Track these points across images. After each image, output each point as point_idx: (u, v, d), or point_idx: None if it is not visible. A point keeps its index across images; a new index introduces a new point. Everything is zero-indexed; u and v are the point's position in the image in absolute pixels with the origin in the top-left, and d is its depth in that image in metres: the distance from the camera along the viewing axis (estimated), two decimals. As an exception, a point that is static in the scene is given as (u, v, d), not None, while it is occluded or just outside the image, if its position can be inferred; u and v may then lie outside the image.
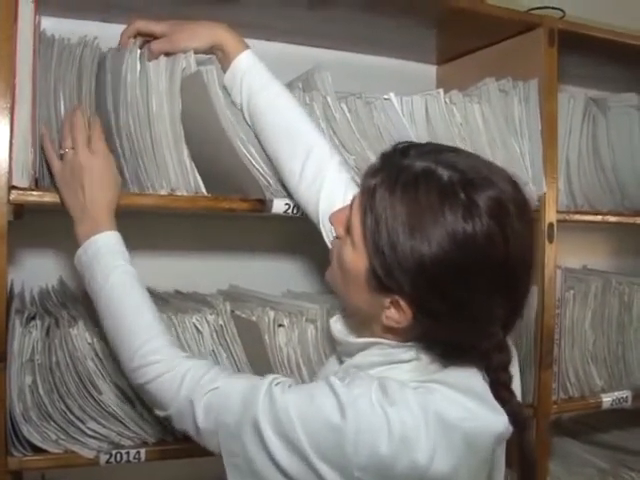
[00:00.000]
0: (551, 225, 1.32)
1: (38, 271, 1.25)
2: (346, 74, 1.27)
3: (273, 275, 1.44)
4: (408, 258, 0.73)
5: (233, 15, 1.11)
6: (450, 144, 1.15)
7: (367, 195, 0.78)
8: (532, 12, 1.36)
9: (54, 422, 0.99)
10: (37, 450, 0.99)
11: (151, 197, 1.04)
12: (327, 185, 0.99)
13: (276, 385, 0.78)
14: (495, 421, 0.78)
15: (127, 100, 1.00)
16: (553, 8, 1.38)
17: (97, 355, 1.01)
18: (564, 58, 1.33)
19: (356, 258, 0.79)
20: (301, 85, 1.17)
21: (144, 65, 1.02)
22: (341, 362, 0.90)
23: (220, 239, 1.42)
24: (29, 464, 0.99)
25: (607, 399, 1.42)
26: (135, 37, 1.05)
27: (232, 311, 1.11)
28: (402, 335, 0.81)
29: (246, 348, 1.10)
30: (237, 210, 1.09)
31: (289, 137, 1.02)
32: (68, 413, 0.99)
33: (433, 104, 1.22)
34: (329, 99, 1.15)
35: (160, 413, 0.88)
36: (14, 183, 0.95)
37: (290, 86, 1.15)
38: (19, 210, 1.01)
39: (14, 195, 0.94)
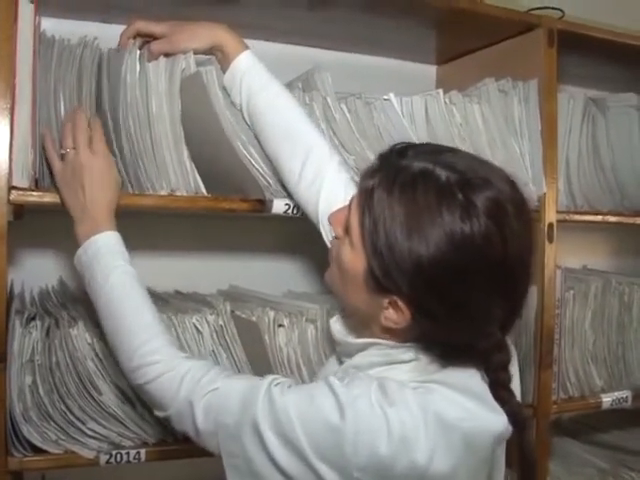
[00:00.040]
0: (551, 225, 1.32)
1: (38, 271, 1.25)
2: (346, 74, 1.27)
3: (273, 275, 1.44)
4: (406, 259, 0.73)
5: (233, 16, 1.11)
6: (450, 144, 1.16)
7: (365, 196, 0.78)
8: (531, 12, 1.35)
9: (54, 422, 0.99)
10: (37, 450, 0.99)
11: (151, 197, 1.04)
12: (327, 185, 0.99)
13: (275, 386, 0.78)
14: (494, 421, 0.78)
15: (127, 101, 1.00)
16: (552, 8, 1.38)
17: (97, 355, 1.01)
18: (563, 58, 1.33)
19: (354, 258, 0.79)
20: (301, 85, 1.17)
21: (144, 66, 1.02)
22: (341, 362, 0.90)
23: (220, 239, 1.42)
24: (29, 464, 0.99)
25: (607, 399, 1.42)
26: (135, 38, 1.05)
27: (232, 311, 1.11)
28: (401, 336, 0.81)
29: (246, 348, 1.10)
30: (237, 210, 1.09)
31: (289, 137, 1.02)
32: (68, 413, 0.99)
33: (433, 104, 1.22)
34: (329, 99, 1.15)
35: (159, 414, 0.88)
36: (14, 183, 0.95)
37: (290, 86, 1.15)
38: (19, 210, 1.01)
39: (14, 195, 0.95)
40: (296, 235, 1.26)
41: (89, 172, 0.94)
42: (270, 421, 0.75)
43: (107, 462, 1.01)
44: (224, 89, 1.05)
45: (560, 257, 1.35)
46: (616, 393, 1.43)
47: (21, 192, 0.95)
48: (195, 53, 1.04)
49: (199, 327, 1.08)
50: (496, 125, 1.28)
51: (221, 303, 1.10)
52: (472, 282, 0.74)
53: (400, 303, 0.76)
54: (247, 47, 1.05)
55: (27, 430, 0.97)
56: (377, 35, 1.38)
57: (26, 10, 0.95)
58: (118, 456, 1.02)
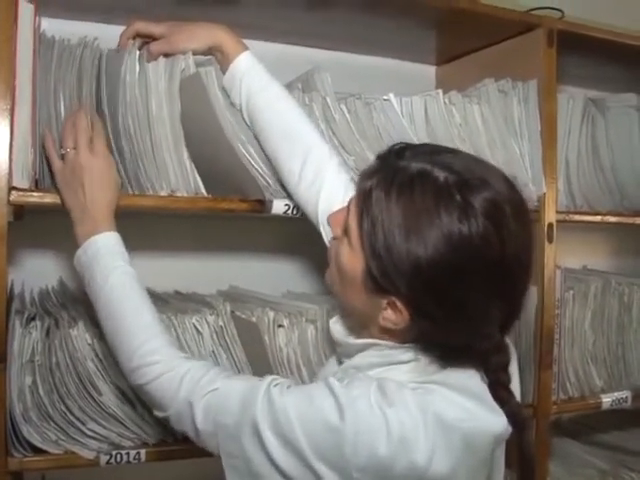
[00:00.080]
0: (551, 225, 1.32)
1: (38, 272, 1.25)
2: (345, 75, 1.27)
3: (273, 276, 1.44)
4: (404, 260, 0.74)
5: (233, 16, 1.11)
6: (450, 145, 1.16)
7: (363, 197, 0.78)
8: (531, 13, 1.35)
9: (54, 423, 0.99)
10: (37, 451, 0.99)
11: (151, 198, 1.04)
12: (326, 186, 0.99)
13: (275, 386, 0.78)
14: (494, 422, 0.78)
15: (126, 101, 1.00)
16: (552, 9, 1.38)
17: (97, 356, 1.01)
18: (563, 58, 1.33)
19: (353, 259, 0.80)
20: (300, 86, 1.17)
21: (143, 66, 1.02)
22: (340, 363, 0.90)
23: (220, 240, 1.42)
24: (29, 465, 0.99)
25: (607, 399, 1.42)
26: (134, 38, 1.06)
27: (232, 312, 1.11)
28: (400, 336, 0.81)
29: (246, 349, 1.10)
30: (237, 211, 1.10)
31: (288, 137, 1.02)
32: (68, 414, 0.99)
33: (432, 105, 1.22)
34: (328, 100, 1.15)
35: (159, 414, 0.88)
36: (14, 184, 0.95)
37: (290, 87, 1.15)
38: (19, 211, 1.01)
39: (14, 196, 0.95)
40: (296, 235, 1.26)
41: (89, 172, 0.94)
42: (269, 421, 0.75)
43: (107, 462, 1.01)
44: (223, 90, 1.05)
45: (560, 257, 1.35)
46: (616, 393, 1.43)
47: (21, 193, 0.95)
48: (194, 54, 1.04)
49: (199, 328, 1.08)
50: (496, 125, 1.28)
51: (221, 303, 1.10)
52: (470, 283, 0.74)
53: (398, 304, 0.77)
54: (246, 48, 1.05)
55: (27, 430, 0.97)
56: (377, 35, 1.38)
57: (26, 11, 0.95)
58: (118, 456, 1.02)
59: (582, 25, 1.36)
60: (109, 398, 1.02)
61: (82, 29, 1.10)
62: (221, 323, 1.09)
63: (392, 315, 0.78)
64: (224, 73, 1.05)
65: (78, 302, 1.12)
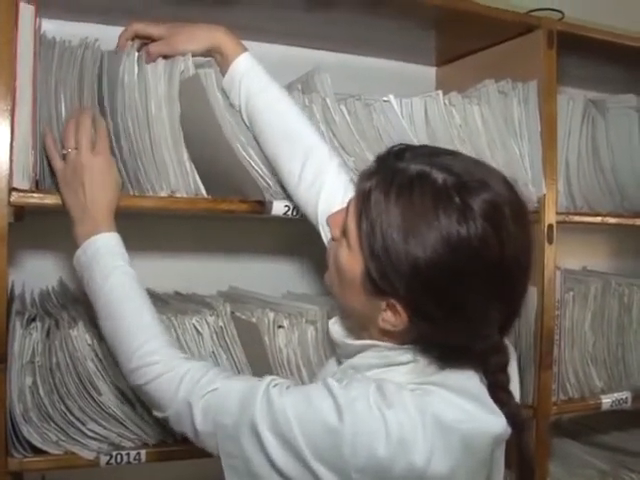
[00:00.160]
0: (550, 226, 1.32)
1: (38, 273, 1.25)
2: (345, 76, 1.27)
3: (273, 276, 1.44)
4: (403, 262, 0.74)
5: (232, 17, 1.11)
6: (449, 146, 1.16)
7: (362, 198, 0.78)
8: (531, 14, 1.36)
9: (54, 423, 0.99)
10: (37, 451, 0.99)
11: (151, 199, 1.04)
12: (326, 187, 0.99)
13: (274, 387, 0.78)
14: (493, 423, 0.78)
15: (125, 102, 1.01)
16: (552, 10, 1.38)
17: (97, 356, 1.02)
18: (563, 60, 1.33)
19: (352, 261, 0.80)
20: (300, 87, 1.17)
21: (142, 68, 1.02)
22: (340, 363, 0.90)
23: (220, 241, 1.42)
24: (29, 465, 0.99)
25: (607, 400, 1.42)
26: (133, 39, 1.06)
27: (232, 312, 1.11)
28: (399, 338, 0.81)
29: (246, 349, 1.10)
30: (237, 212, 1.10)
31: (288, 138, 1.02)
32: (68, 414, 1.00)
33: (432, 106, 1.22)
34: (328, 101, 1.15)
35: (158, 414, 0.88)
36: (15, 185, 0.95)
37: (289, 88, 1.16)
38: (20, 212, 1.01)
39: (15, 197, 0.95)
40: (296, 236, 1.26)
41: (90, 172, 0.95)
42: (268, 422, 0.75)
43: (107, 463, 1.02)
44: (223, 91, 1.05)
45: (560, 258, 1.35)
46: (616, 394, 1.43)
47: (22, 194, 0.95)
48: (193, 55, 1.04)
49: (199, 328, 1.08)
50: (496, 126, 1.28)
51: (221, 304, 1.11)
52: (469, 285, 0.74)
53: (397, 306, 0.77)
54: (246, 49, 1.05)
55: (27, 431, 0.97)
56: (377, 36, 1.39)
57: (26, 12, 0.95)
58: (118, 457, 1.02)
59: (582, 26, 1.36)
60: (109, 398, 1.02)
61: (82, 30, 1.10)
62: (221, 324, 1.09)
63: (391, 317, 0.78)
64: (223, 75, 1.05)
65: (78, 303, 1.12)
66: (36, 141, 0.97)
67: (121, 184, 1.00)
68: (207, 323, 1.08)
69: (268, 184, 1.09)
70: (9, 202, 0.94)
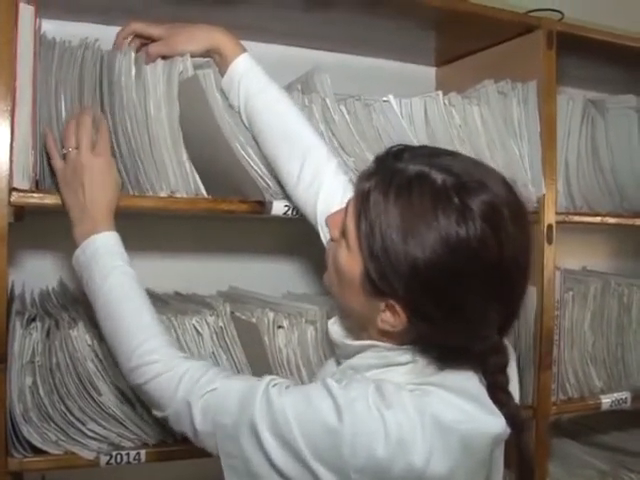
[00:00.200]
0: (550, 226, 1.32)
1: (38, 273, 1.25)
2: (345, 76, 1.27)
3: (273, 277, 1.44)
4: (402, 262, 0.74)
5: (232, 17, 1.12)
6: (449, 146, 1.16)
7: (361, 199, 0.78)
8: (531, 14, 1.36)
9: (54, 423, 0.99)
10: (37, 451, 0.99)
11: (151, 199, 1.04)
12: (325, 187, 0.99)
13: (273, 386, 0.78)
14: (492, 423, 0.78)
15: (124, 103, 1.01)
16: (552, 10, 1.38)
17: (97, 356, 1.02)
18: (563, 60, 1.33)
19: (351, 261, 0.80)
20: (300, 87, 1.17)
21: (142, 68, 1.02)
22: (339, 364, 0.90)
23: (220, 241, 1.42)
24: (29, 465, 0.99)
25: (606, 400, 1.42)
26: (132, 39, 1.06)
27: (232, 313, 1.11)
28: (398, 338, 0.81)
29: (246, 350, 1.10)
30: (237, 212, 1.10)
31: (287, 139, 1.02)
32: (68, 414, 1.00)
33: (432, 106, 1.22)
34: (328, 101, 1.15)
35: (158, 414, 0.88)
36: (15, 185, 0.95)
37: (289, 88, 1.16)
38: (20, 212, 1.01)
39: (15, 197, 0.95)
40: (295, 236, 1.26)
41: (89, 172, 0.95)
42: (268, 422, 0.75)
43: (107, 463, 1.02)
44: (222, 92, 1.05)
45: (559, 258, 1.35)
46: (615, 394, 1.43)
47: (22, 194, 0.95)
48: (192, 56, 1.05)
49: (199, 328, 1.08)
50: (495, 127, 1.28)
51: (221, 304, 1.11)
52: (468, 285, 0.74)
53: (397, 307, 0.77)
54: (245, 50, 1.05)
55: (27, 431, 0.97)
56: (376, 37, 1.39)
57: (26, 13, 0.95)
58: (118, 457, 1.02)
59: (582, 27, 1.36)
60: (109, 398, 1.02)
61: (82, 30, 1.10)
62: (221, 324, 1.09)
63: (390, 318, 0.78)
64: (222, 75, 1.05)
65: (78, 303, 1.12)
66: (36, 141, 0.97)
67: (121, 184, 1.00)
68: (207, 323, 1.08)
69: (268, 184, 1.09)
70: (9, 202, 0.94)
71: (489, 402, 0.79)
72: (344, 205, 0.84)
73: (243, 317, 1.11)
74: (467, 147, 1.24)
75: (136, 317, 0.90)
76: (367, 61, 1.52)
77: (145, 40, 1.07)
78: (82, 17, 1.23)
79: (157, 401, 0.86)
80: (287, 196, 1.07)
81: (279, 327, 1.13)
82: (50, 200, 0.97)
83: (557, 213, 1.34)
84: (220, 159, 1.05)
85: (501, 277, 0.75)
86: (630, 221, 1.46)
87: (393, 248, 0.74)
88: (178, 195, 1.05)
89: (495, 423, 0.78)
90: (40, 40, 1.01)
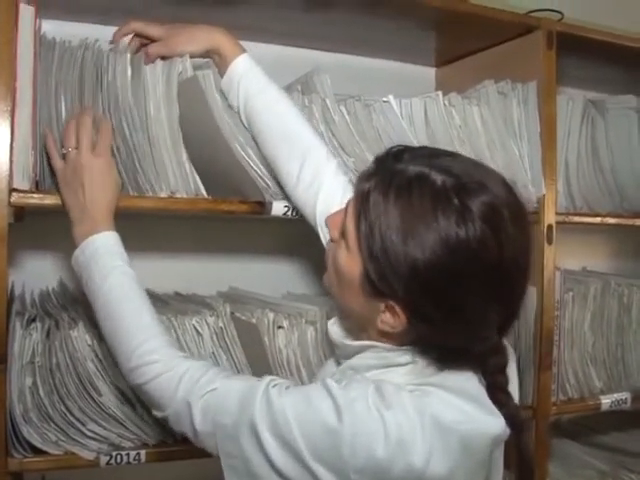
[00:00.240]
0: (550, 227, 1.32)
1: (38, 273, 1.26)
2: (345, 76, 1.27)
3: (273, 277, 1.44)
4: (401, 263, 0.73)
5: (232, 18, 1.12)
6: (449, 146, 1.16)
7: (361, 199, 0.78)
8: (531, 14, 1.36)
9: (54, 423, 0.99)
10: (37, 451, 0.99)
11: (151, 199, 1.04)
12: (325, 188, 0.99)
13: (273, 387, 0.78)
14: (492, 424, 0.78)
15: (124, 103, 1.01)
16: (552, 10, 1.38)
17: (97, 357, 1.02)
18: (563, 60, 1.33)
19: (351, 262, 0.79)
20: (300, 88, 1.17)
21: (140, 69, 1.02)
22: (339, 364, 0.90)
23: (220, 241, 1.42)
24: (29, 465, 0.99)
25: (606, 401, 1.42)
26: (132, 38, 1.06)
27: (232, 313, 1.11)
28: (397, 339, 0.81)
29: (246, 350, 1.10)
30: (237, 212, 1.10)
31: (286, 139, 1.02)
32: (68, 414, 1.00)
33: (432, 106, 1.22)
34: (328, 102, 1.15)
35: (158, 414, 0.88)
36: (15, 186, 0.95)
37: (289, 89, 1.16)
38: (20, 212, 1.01)
39: (15, 197, 0.95)
40: (295, 237, 1.26)
41: (89, 172, 0.95)
42: (268, 422, 0.75)
43: (107, 463, 1.02)
44: (221, 92, 1.05)
45: (559, 259, 1.35)
46: (615, 395, 1.43)
47: (22, 194, 0.95)
48: (192, 56, 1.05)
49: (199, 329, 1.08)
50: (495, 127, 1.28)
51: (221, 305, 1.11)
52: (468, 286, 0.74)
53: (396, 307, 0.76)
54: (244, 50, 1.05)
55: (27, 431, 0.98)
56: (376, 37, 1.39)
57: (26, 13, 0.95)
58: (118, 457, 1.02)
59: (581, 27, 1.36)
60: (109, 399, 1.02)
61: (82, 31, 1.10)
62: (221, 324, 1.09)
63: (390, 318, 0.78)
64: (222, 76, 1.05)
65: (78, 303, 1.12)
66: (36, 142, 0.97)
67: (121, 185, 1.00)
68: (207, 324, 1.08)
69: (267, 185, 1.09)
70: (9, 202, 0.94)
71: (489, 402, 0.79)
72: (344, 206, 0.84)
73: (243, 317, 1.11)
74: (467, 147, 1.24)
75: (136, 317, 0.90)
76: (367, 61, 1.52)
77: (144, 40, 1.07)
78: (82, 17, 1.23)
79: (157, 401, 0.86)
80: (286, 197, 1.07)
81: (279, 327, 1.13)
82: (50, 200, 0.97)
83: (557, 213, 1.34)
84: (220, 159, 1.05)
85: (501, 278, 0.75)
86: (630, 221, 1.46)
87: (393, 249, 0.74)
88: (178, 195, 1.05)
89: (495, 423, 0.79)
90: (40, 40, 1.01)
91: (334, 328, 0.90)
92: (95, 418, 1.01)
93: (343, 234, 0.81)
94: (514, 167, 1.28)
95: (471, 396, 0.79)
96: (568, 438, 1.68)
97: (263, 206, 1.09)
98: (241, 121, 1.05)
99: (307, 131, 1.03)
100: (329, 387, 0.75)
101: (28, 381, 0.99)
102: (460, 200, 0.73)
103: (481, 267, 0.74)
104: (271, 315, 1.12)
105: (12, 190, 0.95)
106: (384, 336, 0.81)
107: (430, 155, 0.79)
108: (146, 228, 1.28)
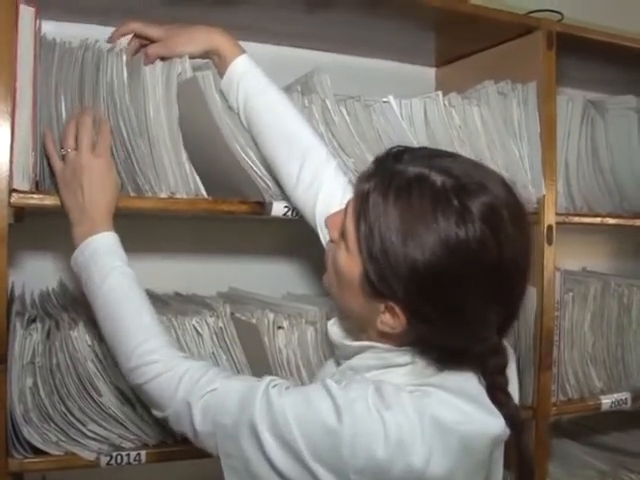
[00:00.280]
0: (550, 227, 1.32)
1: (38, 273, 1.26)
2: (345, 77, 1.27)
3: (273, 277, 1.44)
4: (401, 264, 0.73)
5: (231, 18, 1.12)
6: (449, 147, 1.16)
7: (360, 200, 0.78)
8: (530, 15, 1.36)
9: (54, 424, 0.99)
10: (38, 452, 0.99)
11: (151, 200, 1.04)
12: (324, 188, 0.99)
13: (273, 387, 0.78)
14: (492, 424, 0.79)
15: (123, 104, 1.01)
16: (551, 11, 1.38)
17: (97, 357, 1.02)
18: (562, 61, 1.33)
19: (350, 263, 0.79)
20: (300, 88, 1.17)
21: (140, 69, 1.02)
22: (338, 364, 0.90)
23: (220, 242, 1.42)
24: (30, 466, 0.99)
25: (606, 401, 1.42)
26: (131, 39, 1.06)
27: (232, 313, 1.11)
28: (397, 340, 0.81)
29: (246, 350, 1.10)
30: (237, 213, 1.10)
31: (286, 140, 1.02)
32: (68, 415, 1.00)
33: (432, 107, 1.22)
34: (328, 102, 1.15)
35: (158, 414, 0.88)
36: (15, 186, 0.95)
37: (289, 89, 1.16)
38: (20, 213, 1.01)
39: (15, 198, 0.95)
40: (295, 237, 1.26)
41: (89, 173, 0.95)
42: (267, 422, 0.75)
43: (107, 463, 1.02)
44: (221, 93, 1.05)
45: (559, 259, 1.35)
46: (615, 395, 1.43)
47: (22, 195, 0.95)
48: (191, 57, 1.04)
49: (199, 329, 1.08)
50: (495, 127, 1.28)
51: (221, 305, 1.11)
52: (467, 287, 0.74)
53: (396, 308, 0.76)
54: (244, 51, 1.05)
55: (27, 431, 0.98)
56: (376, 37, 1.39)
57: (26, 14, 0.96)
58: (118, 457, 1.02)
59: (581, 27, 1.36)
60: (109, 399, 1.02)
61: (82, 31, 1.10)
62: (221, 325, 1.09)
63: (390, 319, 0.78)
64: (221, 77, 1.05)
65: (78, 304, 1.12)
66: (36, 142, 0.97)
67: (120, 185, 1.00)
68: (207, 324, 1.09)
69: (267, 185, 1.09)
70: (9, 203, 0.94)
71: (488, 403, 0.79)
72: (343, 206, 0.84)
73: (243, 318, 1.11)
74: (467, 148, 1.24)
75: (136, 317, 0.90)
76: (367, 62, 1.52)
77: (144, 41, 1.07)
78: (82, 18, 1.23)
79: (157, 401, 0.86)
80: (286, 197, 1.07)
81: (279, 328, 1.13)
82: (50, 201, 0.98)
83: (557, 214, 1.34)
84: (220, 160, 1.05)
85: (501, 279, 0.75)
86: (630, 222, 1.46)
87: (392, 250, 0.74)
88: (178, 196, 1.05)
89: (495, 424, 0.79)
90: (40, 41, 1.01)
91: (334, 329, 0.90)
92: (95, 418, 1.01)
93: (343, 235, 0.81)
94: (514, 167, 1.28)
95: (471, 396, 0.79)
96: (568, 438, 1.68)
97: (263, 206, 1.09)
98: (241, 122, 1.05)
99: (307, 132, 1.03)
100: (329, 387, 0.75)
101: (28, 381, 0.99)
102: (460, 201, 0.73)
103: (481, 268, 0.74)
104: (271, 315, 1.12)
105: (12, 191, 0.95)
106: (384, 337, 0.81)
107: (430, 156, 0.79)
108: (146, 229, 1.28)
